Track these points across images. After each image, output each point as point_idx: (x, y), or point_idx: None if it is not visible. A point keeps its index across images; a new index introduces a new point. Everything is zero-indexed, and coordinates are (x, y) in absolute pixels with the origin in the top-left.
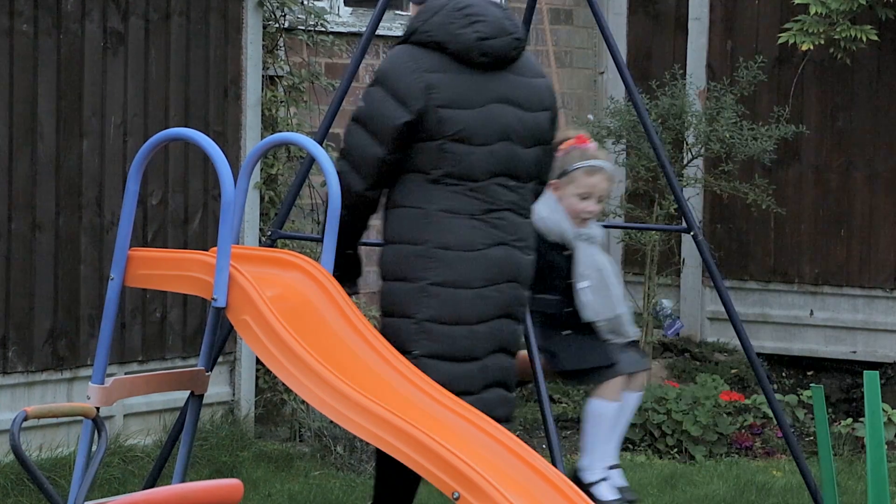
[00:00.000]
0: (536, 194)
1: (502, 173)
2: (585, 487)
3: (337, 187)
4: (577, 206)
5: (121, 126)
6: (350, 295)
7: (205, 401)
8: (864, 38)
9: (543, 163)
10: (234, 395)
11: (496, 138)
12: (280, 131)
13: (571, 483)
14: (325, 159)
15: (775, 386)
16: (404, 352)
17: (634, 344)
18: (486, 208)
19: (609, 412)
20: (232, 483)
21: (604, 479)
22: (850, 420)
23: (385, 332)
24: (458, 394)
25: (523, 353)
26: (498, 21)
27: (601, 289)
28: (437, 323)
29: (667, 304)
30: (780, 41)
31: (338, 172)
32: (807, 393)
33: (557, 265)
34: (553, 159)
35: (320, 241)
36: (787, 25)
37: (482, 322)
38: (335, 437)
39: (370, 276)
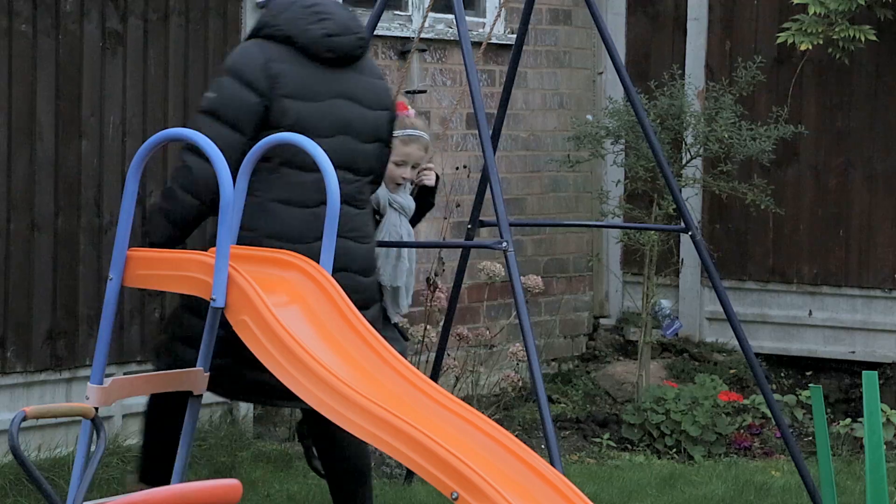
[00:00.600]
0: (372, 188)
1: (340, 166)
2: None
3: (336, 187)
4: (394, 171)
5: (119, 126)
6: None
7: (203, 401)
8: (863, 39)
9: (381, 159)
10: None
11: (335, 132)
12: None
13: (570, 483)
14: (324, 159)
15: (774, 386)
16: None
17: (399, 329)
18: (321, 199)
19: None
20: (231, 483)
21: None
22: (848, 420)
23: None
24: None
25: None
26: (344, 20)
27: (394, 257)
28: None
29: (665, 304)
30: (778, 41)
31: (187, 167)
32: (805, 393)
33: None
34: (388, 157)
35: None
36: (785, 25)
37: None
38: None
39: None
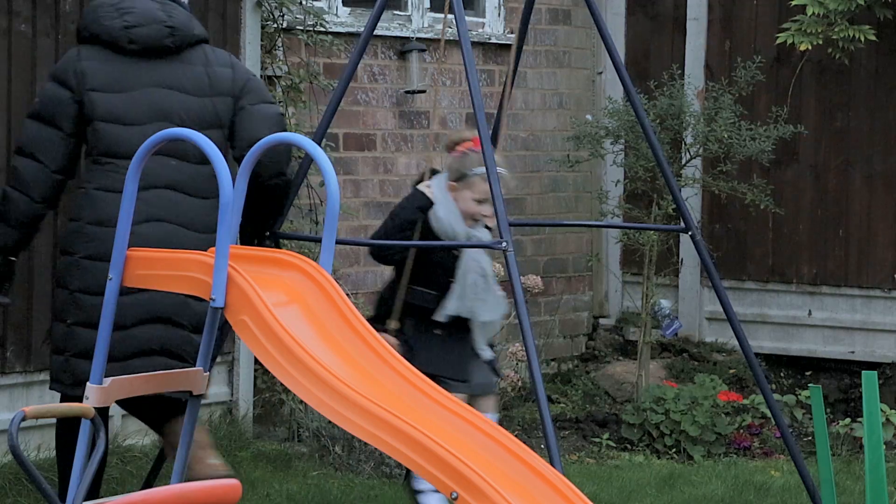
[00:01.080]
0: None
1: (160, 152)
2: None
3: (336, 187)
4: (474, 209)
5: None
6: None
7: (203, 401)
8: (863, 39)
9: (220, 145)
10: (232, 395)
11: (151, 120)
12: None
13: (570, 483)
14: (324, 159)
15: (773, 386)
16: (58, 321)
17: (492, 365)
18: (140, 186)
19: None
20: (230, 483)
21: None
22: (848, 420)
23: (52, 301)
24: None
25: None
26: (148, 11)
27: (482, 291)
28: (86, 294)
29: (665, 304)
30: (778, 41)
31: (16, 170)
32: (805, 393)
33: (444, 263)
34: (239, 142)
35: (319, 241)
36: (785, 26)
37: (130, 293)
38: (333, 437)
39: (368, 277)
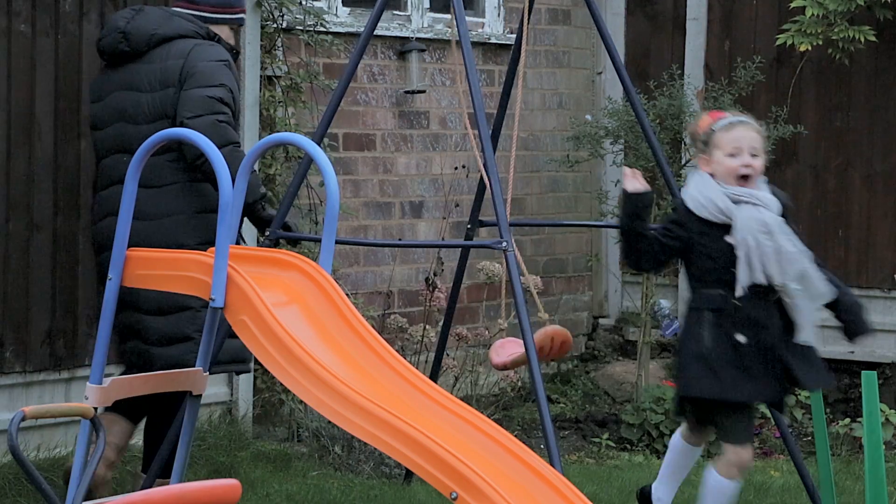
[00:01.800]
0: (180, 165)
1: (118, 150)
2: None
3: (335, 187)
4: (730, 164)
5: None
6: None
7: (203, 401)
8: (863, 39)
9: None
10: (232, 395)
11: (113, 121)
12: (278, 131)
13: (569, 482)
14: (324, 159)
15: None
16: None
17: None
18: (104, 183)
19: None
20: (230, 483)
21: None
22: (847, 420)
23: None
24: None
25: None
26: (113, 22)
27: (774, 252)
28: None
29: (665, 304)
30: (777, 42)
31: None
32: (805, 393)
33: (711, 253)
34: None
35: (318, 241)
36: (785, 27)
37: None
38: (333, 437)
39: (368, 277)
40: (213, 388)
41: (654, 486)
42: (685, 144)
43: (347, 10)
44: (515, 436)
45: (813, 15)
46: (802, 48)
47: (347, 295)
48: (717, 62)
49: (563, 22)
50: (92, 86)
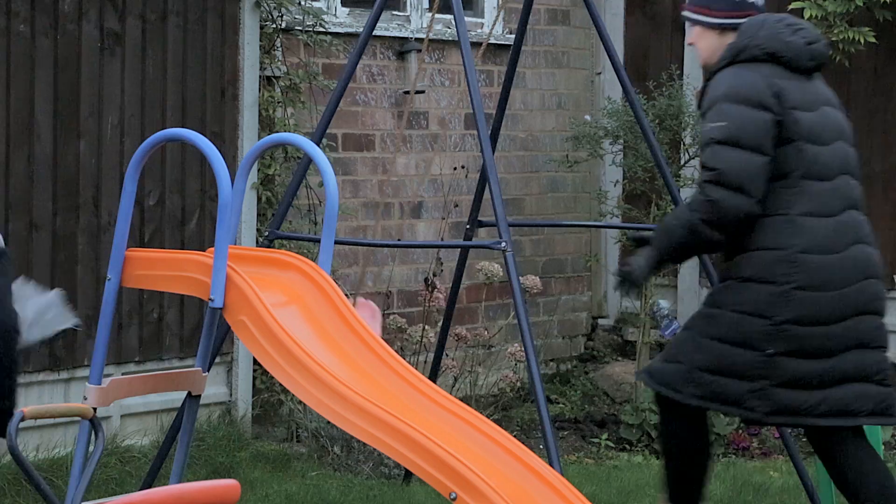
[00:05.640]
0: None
1: (844, 172)
2: None
3: (334, 187)
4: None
5: (118, 126)
6: None
7: (202, 401)
8: (863, 41)
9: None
10: (231, 395)
11: (835, 139)
12: (277, 132)
13: (568, 483)
14: (323, 160)
15: None
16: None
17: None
18: (843, 207)
19: None
20: (229, 483)
21: None
22: None
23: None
24: None
25: None
26: (813, 28)
27: None
28: (797, 325)
29: (664, 304)
30: None
31: (712, 201)
32: None
33: None
34: None
35: (318, 241)
36: None
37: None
38: (332, 437)
39: (367, 277)
40: (213, 389)
41: None
42: (684, 145)
43: (346, 10)
44: (514, 436)
45: (812, 16)
46: None
47: (347, 295)
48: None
49: (562, 22)
50: (791, 91)
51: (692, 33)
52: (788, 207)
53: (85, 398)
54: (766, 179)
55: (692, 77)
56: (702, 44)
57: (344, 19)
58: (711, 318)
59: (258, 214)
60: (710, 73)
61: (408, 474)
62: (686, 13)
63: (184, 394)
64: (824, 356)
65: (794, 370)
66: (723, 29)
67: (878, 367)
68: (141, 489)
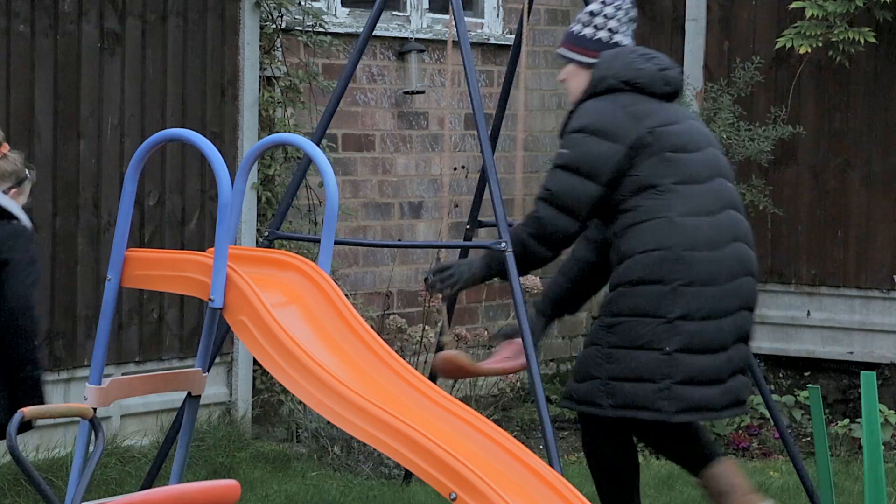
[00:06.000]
0: None
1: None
2: None
3: (334, 187)
4: None
5: (118, 127)
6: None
7: (202, 401)
8: (863, 41)
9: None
10: (231, 395)
11: (704, 146)
12: (277, 132)
13: (568, 483)
14: (323, 160)
15: (772, 387)
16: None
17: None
18: (720, 207)
19: None
20: (229, 484)
21: None
22: (846, 421)
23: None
24: None
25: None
26: (666, 57)
27: None
28: (687, 320)
29: None
30: (777, 46)
31: (539, 218)
32: (804, 394)
33: None
34: None
35: (318, 241)
36: (785, 31)
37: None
38: (332, 437)
39: (367, 277)
40: (212, 389)
41: None
42: None
43: (346, 10)
44: (514, 436)
45: (812, 17)
46: (802, 51)
47: (346, 295)
48: (716, 63)
49: (562, 22)
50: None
51: (565, 71)
52: (667, 210)
53: (85, 398)
54: (594, 206)
55: (692, 77)
56: (574, 82)
57: (344, 19)
58: (611, 328)
59: (258, 214)
60: (574, 105)
61: (408, 474)
62: (564, 52)
63: (184, 394)
64: (719, 350)
65: (694, 366)
66: (588, 67)
67: (750, 360)
68: (141, 489)
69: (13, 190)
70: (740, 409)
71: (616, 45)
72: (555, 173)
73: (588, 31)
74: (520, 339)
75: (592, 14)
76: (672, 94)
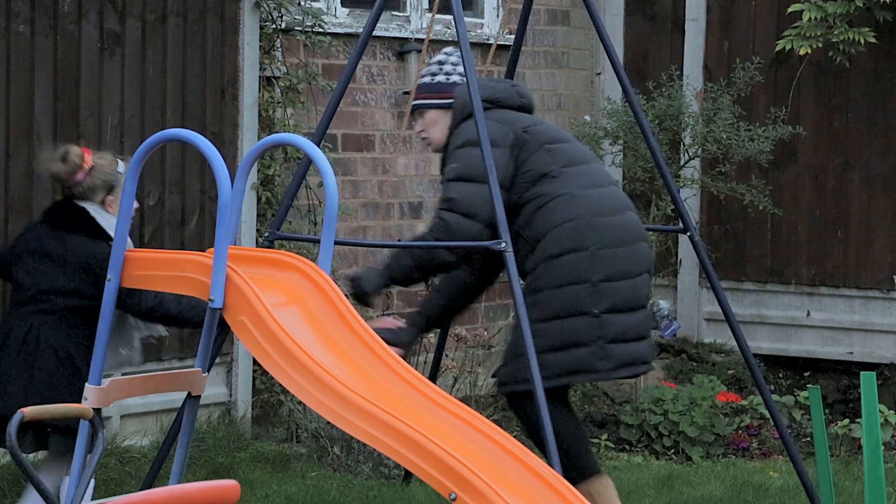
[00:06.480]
0: None
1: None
2: None
3: (334, 188)
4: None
5: (118, 127)
6: None
7: (202, 402)
8: (863, 41)
9: None
10: (230, 395)
11: (570, 139)
12: (277, 132)
13: (568, 483)
14: (323, 160)
15: (772, 387)
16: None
17: None
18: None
19: None
20: (229, 484)
21: None
22: (846, 421)
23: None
24: None
25: None
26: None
27: None
28: (609, 281)
29: (664, 304)
30: (777, 48)
31: (445, 222)
32: (803, 394)
33: None
34: None
35: (317, 242)
36: (785, 33)
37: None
38: (332, 437)
39: None
40: (212, 389)
41: None
42: (684, 145)
43: (346, 10)
44: (514, 436)
45: (812, 18)
46: (802, 51)
47: (346, 296)
48: (716, 63)
49: (562, 23)
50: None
51: (425, 121)
52: (567, 187)
53: (85, 399)
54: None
55: (692, 78)
56: (437, 128)
57: (343, 20)
58: (537, 303)
59: (258, 215)
60: (445, 146)
61: (408, 474)
62: (422, 101)
63: (184, 394)
64: (637, 308)
65: (620, 324)
66: (450, 107)
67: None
68: (141, 489)
69: (109, 198)
70: (651, 365)
71: (457, 83)
72: (451, 186)
73: (441, 77)
74: (391, 318)
75: (441, 63)
76: (527, 106)
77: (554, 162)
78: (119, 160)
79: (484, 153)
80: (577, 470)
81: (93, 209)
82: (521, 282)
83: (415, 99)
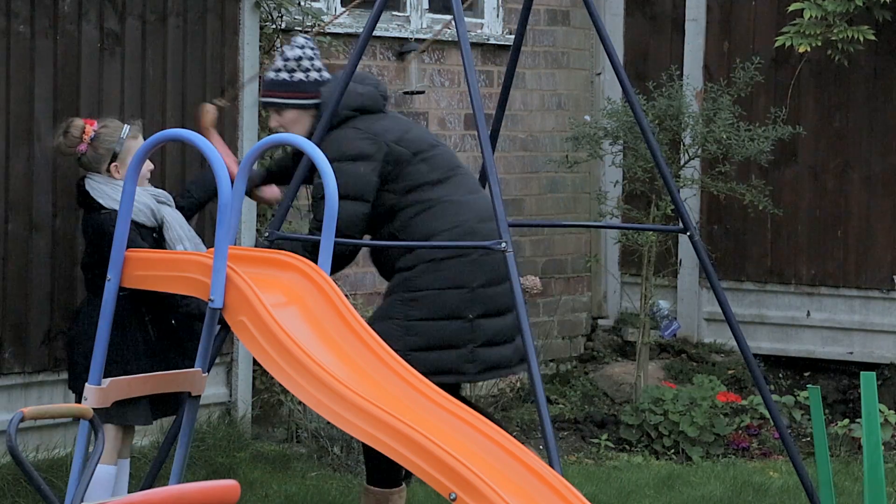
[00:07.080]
0: None
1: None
2: None
3: (334, 188)
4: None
5: None
6: None
7: (202, 402)
8: (862, 39)
9: None
10: (230, 395)
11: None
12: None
13: (568, 483)
14: (322, 160)
15: (772, 387)
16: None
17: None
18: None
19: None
20: (229, 484)
21: None
22: (846, 421)
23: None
24: None
25: None
26: (374, 75)
27: (197, 243)
28: (488, 287)
29: (664, 304)
30: (776, 45)
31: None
32: (803, 394)
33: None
34: None
35: (317, 241)
36: (784, 29)
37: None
38: (332, 437)
39: (367, 278)
40: (212, 389)
41: None
42: (684, 145)
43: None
44: (514, 436)
45: (812, 17)
46: (801, 49)
47: (346, 296)
48: (716, 63)
49: (562, 23)
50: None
51: (283, 119)
52: (451, 194)
53: (85, 398)
54: (367, 222)
55: (692, 77)
56: (297, 127)
57: (344, 19)
58: (414, 302)
59: (258, 214)
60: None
61: (408, 474)
62: (275, 100)
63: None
64: (508, 312)
65: (491, 328)
66: (316, 108)
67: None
68: (141, 489)
69: (113, 164)
70: (523, 367)
71: (326, 80)
72: (321, 204)
73: (299, 75)
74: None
75: (298, 59)
76: (386, 104)
77: (431, 171)
78: (126, 125)
79: (483, 148)
80: (383, 475)
81: (91, 182)
82: (388, 281)
83: (270, 95)
